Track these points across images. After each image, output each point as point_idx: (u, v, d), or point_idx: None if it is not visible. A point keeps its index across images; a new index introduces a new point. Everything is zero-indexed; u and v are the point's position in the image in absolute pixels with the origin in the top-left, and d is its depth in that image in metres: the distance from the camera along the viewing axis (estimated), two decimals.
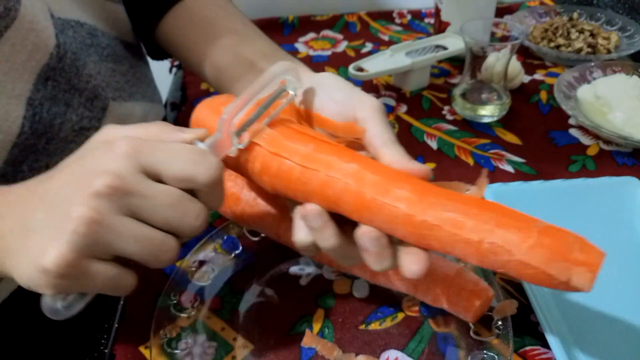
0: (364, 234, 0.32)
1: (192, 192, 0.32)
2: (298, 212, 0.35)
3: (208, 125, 0.37)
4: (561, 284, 0.29)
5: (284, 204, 0.44)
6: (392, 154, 0.34)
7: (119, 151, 0.31)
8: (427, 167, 0.33)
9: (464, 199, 0.31)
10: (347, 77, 0.75)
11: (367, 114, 0.36)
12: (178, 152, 0.32)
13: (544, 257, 0.29)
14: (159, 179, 0.32)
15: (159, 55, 0.63)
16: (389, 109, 0.69)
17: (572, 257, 0.29)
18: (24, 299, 0.43)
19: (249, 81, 0.47)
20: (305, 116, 0.39)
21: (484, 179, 0.33)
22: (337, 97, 0.38)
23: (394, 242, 0.33)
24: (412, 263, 0.32)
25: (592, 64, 0.70)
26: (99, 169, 0.30)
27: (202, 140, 0.34)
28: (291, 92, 0.38)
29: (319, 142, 0.35)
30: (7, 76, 0.39)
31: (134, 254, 0.31)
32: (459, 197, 0.31)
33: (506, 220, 0.30)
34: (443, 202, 0.31)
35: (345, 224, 0.34)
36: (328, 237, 0.33)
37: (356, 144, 0.37)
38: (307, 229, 0.34)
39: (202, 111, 0.39)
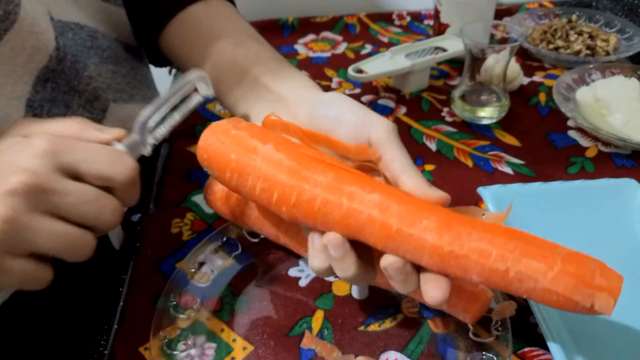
0: (390, 265, 0.32)
1: (107, 188, 0.34)
2: (316, 240, 0.34)
3: (217, 151, 0.37)
4: (584, 309, 0.30)
5: None
6: (413, 181, 0.34)
7: (37, 149, 0.31)
8: (447, 195, 0.34)
9: (488, 227, 0.32)
10: (346, 79, 0.75)
11: (382, 137, 0.36)
12: (96, 153, 0.34)
13: (569, 285, 0.30)
14: (75, 177, 0.33)
15: (161, 63, 0.62)
16: (388, 111, 0.69)
17: (595, 283, 0.30)
18: (24, 300, 0.43)
19: (243, 94, 0.47)
20: (312, 137, 0.39)
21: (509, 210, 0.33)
22: (348, 119, 0.38)
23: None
24: (434, 290, 0.32)
25: (591, 66, 0.70)
26: (15, 166, 0.31)
27: (119, 140, 0.37)
28: (201, 96, 0.42)
29: (338, 170, 0.34)
30: (6, 78, 0.39)
31: (50, 250, 0.32)
32: (483, 226, 0.32)
33: (531, 249, 0.31)
34: (469, 231, 0.31)
35: (360, 245, 0.34)
36: (348, 266, 0.33)
37: (367, 166, 0.37)
38: (324, 255, 0.34)
39: (210, 137, 0.38)
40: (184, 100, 0.41)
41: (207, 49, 0.50)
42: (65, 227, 0.32)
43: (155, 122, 0.39)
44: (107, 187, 0.34)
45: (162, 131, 0.40)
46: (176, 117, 0.41)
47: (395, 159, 0.35)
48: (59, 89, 0.44)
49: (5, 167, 0.31)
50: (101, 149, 0.34)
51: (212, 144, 0.38)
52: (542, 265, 0.30)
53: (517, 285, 0.31)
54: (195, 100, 0.42)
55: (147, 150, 0.39)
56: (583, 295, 0.30)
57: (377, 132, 0.36)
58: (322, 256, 0.34)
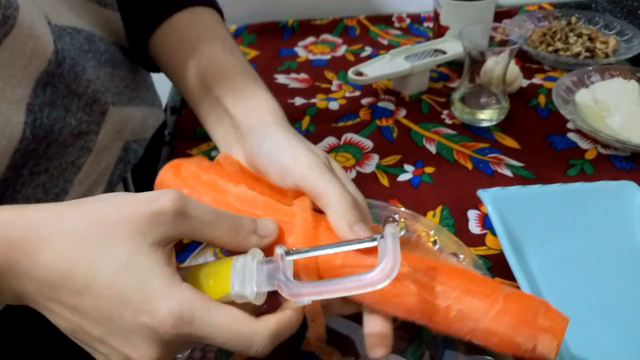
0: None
1: None
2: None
3: (171, 186, 0.37)
4: (528, 351, 0.30)
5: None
6: (333, 219, 0.34)
7: (164, 335, 0.29)
8: (372, 234, 0.33)
9: (433, 264, 0.32)
10: (347, 82, 0.76)
11: (304, 174, 0.36)
12: (226, 334, 0.30)
13: (510, 324, 0.29)
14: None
15: (153, 68, 0.62)
16: (388, 113, 0.69)
17: (537, 324, 0.29)
18: (23, 307, 0.43)
19: (207, 114, 0.48)
20: (255, 179, 0.39)
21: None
22: (276, 158, 0.38)
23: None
24: (376, 346, 0.33)
25: (590, 68, 0.70)
26: (139, 352, 0.29)
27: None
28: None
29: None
30: (6, 82, 0.39)
31: None
32: (427, 263, 0.32)
33: (473, 287, 0.30)
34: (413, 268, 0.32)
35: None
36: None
37: None
38: None
39: (167, 173, 0.39)
40: None
41: (184, 63, 0.50)
42: None
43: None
44: None
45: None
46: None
47: (321, 194, 0.35)
48: (59, 93, 0.44)
49: (126, 345, 0.30)
50: (230, 328, 0.30)
51: (168, 181, 0.39)
52: (484, 303, 0.30)
53: (459, 325, 0.30)
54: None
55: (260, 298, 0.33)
56: (525, 336, 0.29)
57: (299, 170, 0.36)
58: None
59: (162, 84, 0.72)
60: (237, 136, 0.45)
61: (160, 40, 0.54)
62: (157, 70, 0.61)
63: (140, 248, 0.29)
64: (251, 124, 0.43)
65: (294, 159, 0.37)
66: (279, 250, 0.31)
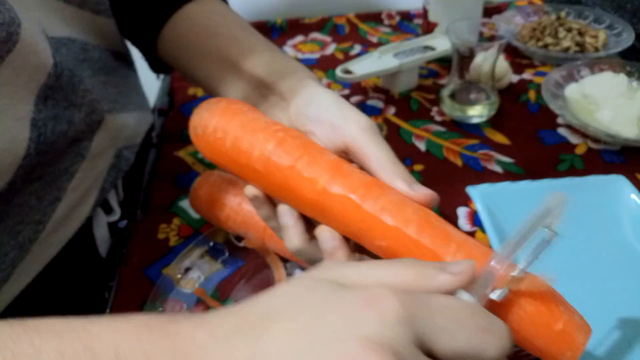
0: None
1: None
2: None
3: (207, 125, 0.36)
4: None
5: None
6: (389, 180, 0.33)
7: (389, 313, 0.22)
8: (432, 193, 0.32)
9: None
10: (335, 80, 0.75)
11: (355, 136, 0.35)
12: (458, 316, 0.23)
13: None
14: (427, 351, 0.23)
15: (162, 69, 0.62)
16: (377, 111, 0.69)
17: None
18: (10, 307, 0.42)
19: (245, 93, 0.45)
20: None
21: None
22: (324, 118, 0.37)
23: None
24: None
25: (580, 62, 0.69)
26: (358, 334, 0.22)
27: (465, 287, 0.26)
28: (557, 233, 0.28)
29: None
30: (11, 100, 0.39)
31: None
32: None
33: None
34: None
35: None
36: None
37: None
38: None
39: (203, 113, 0.38)
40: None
41: (204, 49, 0.50)
42: None
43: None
44: None
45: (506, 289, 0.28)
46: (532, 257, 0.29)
47: (372, 157, 0.34)
48: (59, 105, 0.43)
49: (338, 337, 0.22)
50: (463, 310, 0.24)
51: (205, 119, 0.37)
52: None
53: None
54: (549, 239, 0.28)
55: (495, 295, 0.27)
56: None
57: (350, 131, 0.35)
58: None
59: (149, 86, 0.72)
60: (280, 101, 0.43)
61: (173, 33, 0.53)
62: (166, 70, 0.60)
63: None
64: (293, 87, 0.42)
65: (345, 119, 0.36)
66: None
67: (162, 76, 0.76)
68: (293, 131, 0.35)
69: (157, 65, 0.59)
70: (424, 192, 0.32)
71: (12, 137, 0.39)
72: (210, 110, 0.37)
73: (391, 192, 0.32)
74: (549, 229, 0.28)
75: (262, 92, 0.45)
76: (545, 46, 0.77)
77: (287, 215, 0.35)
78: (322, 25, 0.91)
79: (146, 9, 0.54)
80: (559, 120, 0.65)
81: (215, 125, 0.36)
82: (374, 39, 0.87)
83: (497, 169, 0.58)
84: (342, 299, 0.23)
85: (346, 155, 0.36)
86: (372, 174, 0.34)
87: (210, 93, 0.51)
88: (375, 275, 0.25)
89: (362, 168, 0.35)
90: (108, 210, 0.53)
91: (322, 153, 0.34)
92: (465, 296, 0.26)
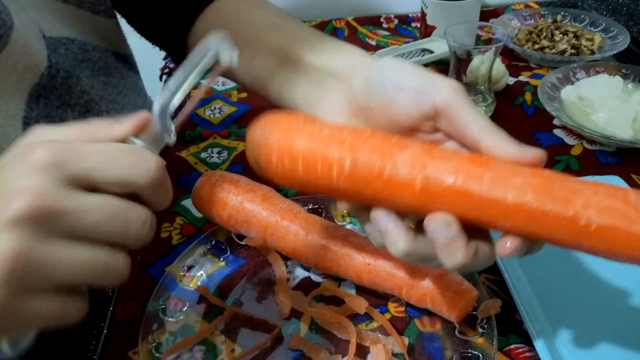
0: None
1: (133, 195, 0.29)
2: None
3: (270, 153, 0.33)
4: None
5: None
6: (500, 144, 0.31)
7: (36, 162, 0.26)
8: (541, 152, 0.31)
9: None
10: None
11: (450, 99, 0.32)
12: (110, 155, 0.28)
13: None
14: (92, 187, 0.27)
15: None
16: None
17: None
18: None
19: (290, 79, 0.43)
20: (364, 114, 0.36)
21: None
22: (408, 84, 0.34)
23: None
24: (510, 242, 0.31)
25: (576, 65, 0.71)
26: (14, 187, 0.25)
27: (136, 134, 0.30)
28: (225, 62, 0.33)
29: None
30: (0, 98, 0.40)
31: (76, 280, 0.27)
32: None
33: None
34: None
35: None
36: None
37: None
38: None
39: (259, 143, 0.34)
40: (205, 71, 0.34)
41: (240, 40, 0.46)
42: (88, 251, 0.27)
43: (175, 105, 0.32)
44: (130, 194, 0.28)
45: (185, 114, 0.34)
46: (198, 95, 0.35)
47: (470, 122, 0.31)
48: (52, 105, 0.44)
49: (3, 190, 0.26)
50: (114, 150, 0.28)
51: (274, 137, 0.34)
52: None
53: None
54: (218, 71, 0.34)
55: (172, 139, 0.32)
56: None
57: (442, 94, 0.32)
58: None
59: (152, 87, 0.73)
60: (335, 83, 0.40)
61: (205, 27, 0.52)
62: None
63: None
64: (351, 65, 0.39)
65: (434, 82, 0.33)
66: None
67: (165, 77, 0.77)
68: (360, 131, 0.33)
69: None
70: (535, 152, 0.31)
71: (4, 135, 0.40)
72: (264, 138, 0.33)
73: (493, 164, 0.30)
74: (215, 64, 0.33)
75: (310, 76, 0.42)
76: (542, 49, 0.78)
77: (384, 219, 0.32)
78: (322, 28, 0.92)
79: (177, 5, 0.54)
80: (555, 122, 0.66)
81: (278, 153, 0.33)
82: (373, 42, 0.88)
83: None
84: (12, 160, 0.27)
85: (431, 122, 0.34)
86: (470, 138, 0.31)
87: (254, 87, 0.49)
88: (46, 134, 0.29)
89: (451, 133, 0.33)
90: None
91: (404, 145, 0.31)
92: (137, 142, 0.30)
